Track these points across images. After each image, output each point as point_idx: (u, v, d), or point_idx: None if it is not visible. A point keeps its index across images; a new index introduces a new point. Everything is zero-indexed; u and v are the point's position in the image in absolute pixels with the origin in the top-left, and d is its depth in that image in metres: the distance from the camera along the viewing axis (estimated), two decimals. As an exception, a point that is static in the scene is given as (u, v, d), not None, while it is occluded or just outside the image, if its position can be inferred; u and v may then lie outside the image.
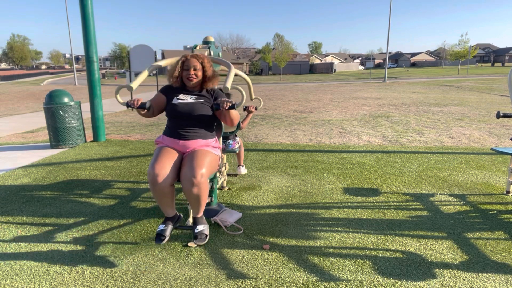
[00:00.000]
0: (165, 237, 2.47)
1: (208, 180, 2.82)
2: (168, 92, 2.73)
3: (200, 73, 2.67)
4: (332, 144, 6.46)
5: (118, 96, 2.67)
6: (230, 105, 2.43)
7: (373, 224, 3.12)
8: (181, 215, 2.70)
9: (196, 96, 2.68)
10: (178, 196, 3.78)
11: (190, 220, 2.86)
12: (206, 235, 2.51)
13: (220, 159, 3.26)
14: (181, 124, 2.61)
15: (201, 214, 2.55)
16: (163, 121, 9.59)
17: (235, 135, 4.20)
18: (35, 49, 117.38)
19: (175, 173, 2.46)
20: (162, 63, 3.04)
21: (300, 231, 3.00)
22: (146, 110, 2.58)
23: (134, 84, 2.65)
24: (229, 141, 4.10)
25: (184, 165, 2.44)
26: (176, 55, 3.07)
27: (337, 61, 79.19)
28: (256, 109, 4.03)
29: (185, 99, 2.65)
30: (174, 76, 2.70)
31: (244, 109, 4.18)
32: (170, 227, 2.55)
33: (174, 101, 2.65)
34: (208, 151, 2.56)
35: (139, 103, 2.46)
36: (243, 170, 4.42)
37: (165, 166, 2.39)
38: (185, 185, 2.36)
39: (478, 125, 8.33)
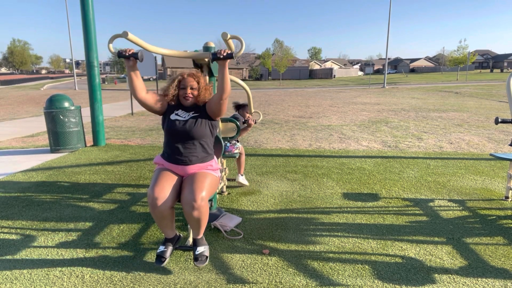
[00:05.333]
0: (166, 258, 2.47)
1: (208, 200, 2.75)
2: (168, 104, 2.67)
3: (196, 92, 2.60)
4: (331, 149, 6.48)
5: (110, 45, 2.53)
6: (229, 52, 2.34)
7: (372, 229, 3.13)
8: (181, 235, 2.70)
9: (193, 112, 2.61)
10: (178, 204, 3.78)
11: (190, 240, 2.85)
12: (207, 257, 2.50)
13: (220, 164, 3.26)
14: (178, 146, 2.53)
15: (201, 235, 2.54)
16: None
17: (237, 141, 4.21)
18: (35, 54, 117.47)
19: (175, 195, 2.44)
20: (165, 51, 2.92)
21: (299, 236, 3.00)
22: (137, 61, 2.45)
23: (130, 34, 2.49)
24: (226, 142, 4.03)
25: (184, 188, 2.42)
26: (175, 60, 3.04)
27: (336, 66, 79.44)
28: (255, 123, 4.03)
29: (183, 116, 2.58)
30: (170, 94, 2.62)
31: (244, 122, 4.20)
32: (170, 248, 2.55)
33: (173, 116, 2.58)
34: (207, 173, 2.53)
35: (131, 52, 2.37)
36: (242, 180, 4.29)
37: (165, 189, 2.37)
38: (186, 208, 2.35)
39: (477, 131, 8.35)
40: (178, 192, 2.48)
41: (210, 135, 2.64)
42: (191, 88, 2.58)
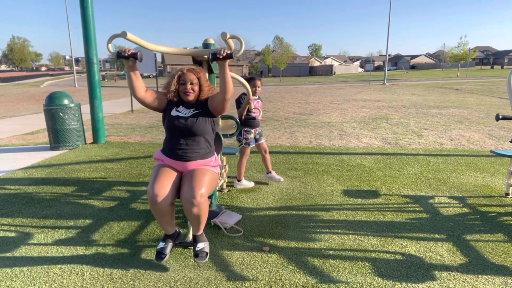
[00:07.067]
0: (165, 255, 2.48)
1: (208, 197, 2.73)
2: (168, 101, 2.65)
3: (197, 87, 2.58)
4: (331, 146, 6.47)
5: (109, 45, 2.51)
6: (228, 52, 2.33)
7: (372, 226, 3.12)
8: (181, 231, 2.70)
9: (194, 109, 2.59)
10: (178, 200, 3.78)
11: (190, 236, 2.84)
12: (207, 253, 2.51)
13: (220, 160, 3.25)
14: (179, 142, 2.53)
15: (201, 231, 2.54)
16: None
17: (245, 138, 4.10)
18: (35, 51, 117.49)
19: (175, 192, 2.45)
20: (164, 49, 2.90)
21: (299, 233, 3.00)
22: (137, 61, 2.43)
23: (129, 34, 2.46)
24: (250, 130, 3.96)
25: (184, 184, 2.42)
26: (175, 57, 3.02)
27: (336, 63, 79.21)
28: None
29: (184, 112, 2.57)
30: (171, 91, 2.60)
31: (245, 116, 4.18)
32: (170, 244, 2.55)
33: (173, 113, 2.57)
34: (207, 169, 2.52)
35: (130, 52, 2.36)
36: (239, 186, 4.18)
37: (165, 186, 2.38)
38: (185, 205, 2.35)
39: (477, 128, 8.34)
40: (178, 188, 2.48)
41: (211, 131, 2.63)
42: (191, 83, 2.56)
